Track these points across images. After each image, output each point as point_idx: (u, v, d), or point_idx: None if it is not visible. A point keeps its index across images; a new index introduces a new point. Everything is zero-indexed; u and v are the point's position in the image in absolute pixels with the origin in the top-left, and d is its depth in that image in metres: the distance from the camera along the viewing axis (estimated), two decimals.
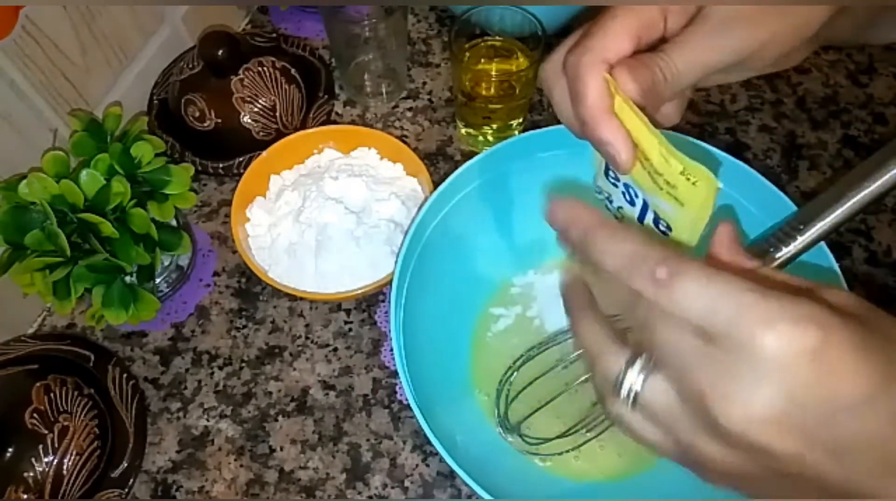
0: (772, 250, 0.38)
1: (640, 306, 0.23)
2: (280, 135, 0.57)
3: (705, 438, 0.23)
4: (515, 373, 0.47)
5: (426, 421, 0.37)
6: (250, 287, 0.56)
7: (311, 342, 0.53)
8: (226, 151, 0.59)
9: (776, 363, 0.21)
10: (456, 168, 0.44)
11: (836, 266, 0.40)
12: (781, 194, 0.42)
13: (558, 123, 0.45)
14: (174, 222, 0.52)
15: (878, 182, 0.34)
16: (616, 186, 0.34)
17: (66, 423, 0.45)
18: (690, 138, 0.44)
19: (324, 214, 0.51)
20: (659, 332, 0.23)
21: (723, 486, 0.25)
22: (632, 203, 0.33)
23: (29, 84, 0.48)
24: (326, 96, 0.63)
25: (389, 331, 0.53)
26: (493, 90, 0.58)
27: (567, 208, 0.27)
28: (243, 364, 0.53)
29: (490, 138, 0.60)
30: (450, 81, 0.66)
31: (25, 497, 0.43)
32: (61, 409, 0.45)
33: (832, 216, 0.36)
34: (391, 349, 0.40)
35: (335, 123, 0.63)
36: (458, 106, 0.60)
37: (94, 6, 0.52)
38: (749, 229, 0.41)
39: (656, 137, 0.28)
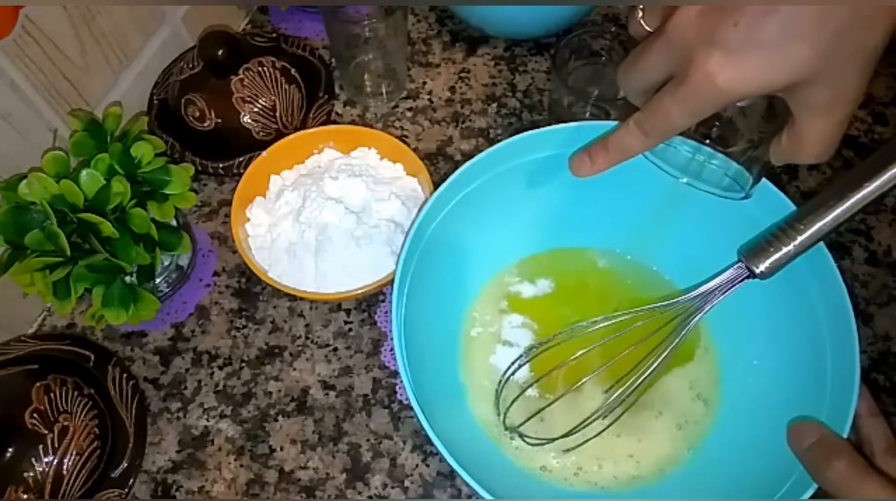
0: (772, 249, 0.38)
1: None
2: (280, 135, 0.57)
3: None
4: (514, 373, 0.47)
5: (427, 421, 0.37)
6: (250, 287, 0.56)
7: (311, 342, 0.53)
8: (226, 151, 0.59)
9: None
10: (456, 168, 0.44)
11: (835, 266, 0.40)
12: (781, 194, 0.42)
13: (558, 123, 0.45)
14: (174, 222, 0.52)
15: (878, 182, 0.34)
16: None
17: (66, 423, 0.45)
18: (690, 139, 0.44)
19: (324, 214, 0.51)
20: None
21: None
22: None
23: (29, 84, 0.48)
24: (326, 96, 0.63)
25: (389, 331, 0.53)
26: None
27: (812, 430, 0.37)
28: (243, 364, 0.53)
29: None
30: (450, 81, 0.66)
31: (25, 497, 0.43)
32: (61, 409, 0.45)
33: (832, 215, 0.36)
34: (391, 349, 0.40)
35: (335, 123, 0.63)
36: None
37: (94, 6, 0.52)
38: (749, 229, 0.41)
39: None
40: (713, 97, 0.31)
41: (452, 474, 0.48)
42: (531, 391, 0.48)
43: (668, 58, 0.33)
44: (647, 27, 0.36)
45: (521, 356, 0.48)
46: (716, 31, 0.30)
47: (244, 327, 0.54)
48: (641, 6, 0.36)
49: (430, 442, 0.37)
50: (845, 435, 0.37)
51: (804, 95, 0.32)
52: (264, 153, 0.55)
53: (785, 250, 0.37)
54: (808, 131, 0.33)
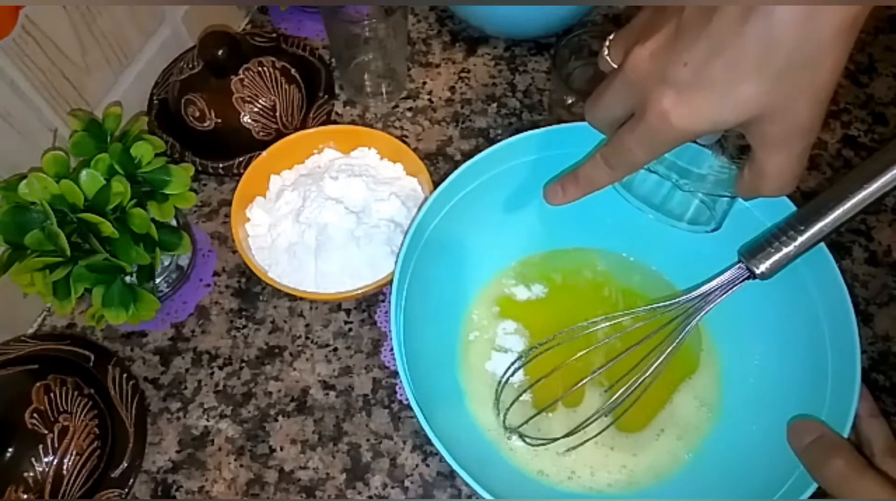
0: (772, 249, 0.38)
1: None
2: (280, 135, 0.57)
3: None
4: (514, 374, 0.47)
5: (427, 421, 0.37)
6: (250, 287, 0.56)
7: (311, 342, 0.53)
8: (226, 151, 0.59)
9: None
10: (456, 168, 0.44)
11: (835, 266, 0.40)
12: None
13: (558, 123, 0.45)
14: (174, 222, 0.52)
15: (879, 183, 0.34)
16: None
17: (66, 423, 0.45)
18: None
19: (324, 214, 0.51)
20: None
21: None
22: None
23: (29, 84, 0.48)
24: (326, 96, 0.63)
25: (389, 331, 0.53)
26: None
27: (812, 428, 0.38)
28: (243, 364, 0.53)
29: None
30: (450, 81, 0.66)
31: (25, 497, 0.43)
32: (61, 409, 0.45)
33: (832, 216, 0.36)
34: (391, 349, 0.40)
35: (335, 123, 0.63)
36: None
37: (94, 6, 0.52)
38: (749, 229, 0.41)
39: None
40: (669, 135, 0.32)
41: (452, 474, 0.48)
42: (530, 393, 0.47)
43: (626, 96, 0.34)
44: (612, 63, 0.36)
45: (519, 357, 0.48)
46: (667, 70, 0.31)
47: (244, 327, 0.54)
48: (607, 44, 0.37)
49: (429, 442, 0.37)
50: (846, 436, 0.37)
51: (759, 130, 0.32)
52: (264, 153, 0.55)
53: (785, 250, 0.37)
54: (766, 165, 0.33)
